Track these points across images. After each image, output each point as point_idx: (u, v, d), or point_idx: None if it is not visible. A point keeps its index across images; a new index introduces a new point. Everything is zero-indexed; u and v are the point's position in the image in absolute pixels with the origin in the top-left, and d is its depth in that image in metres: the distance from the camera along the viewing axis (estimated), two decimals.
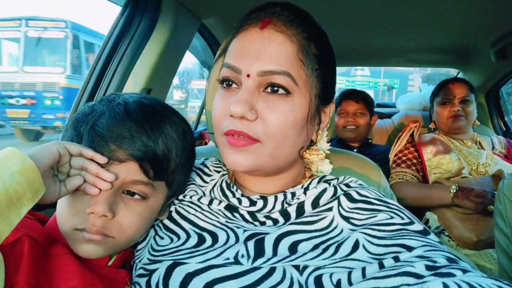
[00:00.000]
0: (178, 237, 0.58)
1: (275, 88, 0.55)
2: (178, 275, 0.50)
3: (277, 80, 0.54)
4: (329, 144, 0.72)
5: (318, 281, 0.47)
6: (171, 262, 0.53)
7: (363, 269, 0.46)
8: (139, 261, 0.57)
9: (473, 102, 1.65)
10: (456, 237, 1.37)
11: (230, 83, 0.58)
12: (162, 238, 0.59)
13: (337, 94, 2.08)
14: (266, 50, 0.54)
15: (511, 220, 0.90)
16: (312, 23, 0.60)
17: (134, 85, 1.10)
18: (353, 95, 1.90)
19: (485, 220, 1.32)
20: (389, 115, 2.58)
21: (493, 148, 1.66)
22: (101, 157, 0.50)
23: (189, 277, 0.50)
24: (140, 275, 0.55)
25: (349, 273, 0.46)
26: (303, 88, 0.56)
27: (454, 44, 2.00)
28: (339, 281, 0.46)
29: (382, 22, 1.64)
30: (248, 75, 0.54)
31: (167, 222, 0.61)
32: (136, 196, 0.54)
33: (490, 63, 1.99)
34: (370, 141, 1.96)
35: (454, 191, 1.37)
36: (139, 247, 0.60)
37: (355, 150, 1.87)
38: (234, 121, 0.55)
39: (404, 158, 1.62)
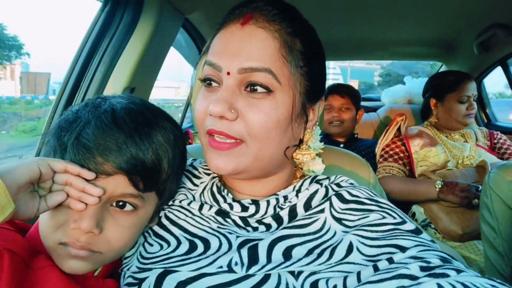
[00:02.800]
0: (168, 243, 0.56)
1: (256, 87, 0.53)
2: (170, 284, 0.49)
3: (258, 78, 0.52)
4: (322, 142, 0.70)
5: (314, 286, 0.46)
6: (162, 270, 0.51)
7: (358, 274, 0.45)
8: (128, 269, 0.55)
9: None
10: (442, 230, 1.40)
11: (212, 82, 0.56)
12: (151, 245, 0.57)
13: None
14: (246, 47, 0.53)
15: (498, 213, 0.92)
16: (297, 18, 0.58)
17: (117, 84, 1.06)
18: (338, 89, 1.89)
19: (470, 213, 1.35)
20: (374, 109, 2.60)
21: (477, 140, 1.69)
22: (89, 173, 0.47)
23: (181, 285, 0.48)
24: (129, 284, 0.53)
25: (345, 278, 0.45)
26: (286, 86, 0.54)
27: (438, 37, 2.02)
28: (335, 287, 0.45)
29: (367, 14, 1.64)
30: (228, 73, 0.53)
31: (156, 228, 0.59)
32: (126, 208, 0.52)
33: (473, 55, 2.03)
34: (356, 135, 1.96)
35: (440, 186, 1.39)
36: (127, 254, 0.58)
37: (342, 145, 1.87)
38: (214, 121, 0.53)
39: (391, 152, 1.64)
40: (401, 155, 1.62)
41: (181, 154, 0.58)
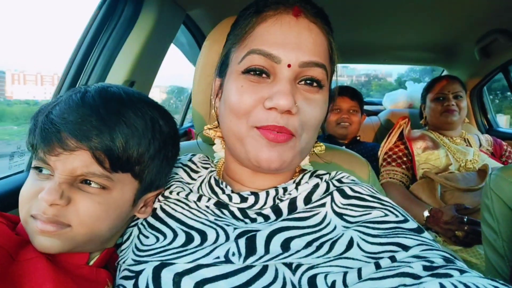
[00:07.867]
0: (165, 236, 0.54)
1: (309, 82, 0.54)
2: (167, 276, 0.47)
3: (315, 73, 0.53)
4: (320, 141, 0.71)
5: (312, 281, 0.45)
6: (158, 262, 0.49)
7: (359, 270, 0.44)
8: (123, 262, 0.54)
9: (465, 98, 1.69)
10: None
11: (259, 72, 0.53)
12: (147, 237, 0.55)
13: None
14: (306, 40, 0.53)
15: (498, 215, 0.90)
16: (328, 20, 0.59)
17: (116, 77, 1.06)
18: (349, 92, 1.90)
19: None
20: (375, 113, 2.61)
21: (480, 145, 1.69)
22: None
23: (177, 277, 0.47)
24: (125, 277, 0.51)
25: (345, 274, 0.44)
26: (326, 85, 0.56)
27: (439, 42, 2.02)
28: (334, 282, 0.44)
29: (368, 19, 1.65)
30: (289, 65, 0.52)
31: (151, 220, 0.58)
32: (93, 186, 0.50)
33: (474, 61, 2.03)
34: (358, 138, 1.96)
35: (427, 215, 1.37)
36: (122, 247, 0.57)
37: (344, 147, 1.87)
38: (274, 115, 0.51)
39: (394, 156, 1.62)
40: (404, 159, 1.60)
41: (162, 138, 0.55)
